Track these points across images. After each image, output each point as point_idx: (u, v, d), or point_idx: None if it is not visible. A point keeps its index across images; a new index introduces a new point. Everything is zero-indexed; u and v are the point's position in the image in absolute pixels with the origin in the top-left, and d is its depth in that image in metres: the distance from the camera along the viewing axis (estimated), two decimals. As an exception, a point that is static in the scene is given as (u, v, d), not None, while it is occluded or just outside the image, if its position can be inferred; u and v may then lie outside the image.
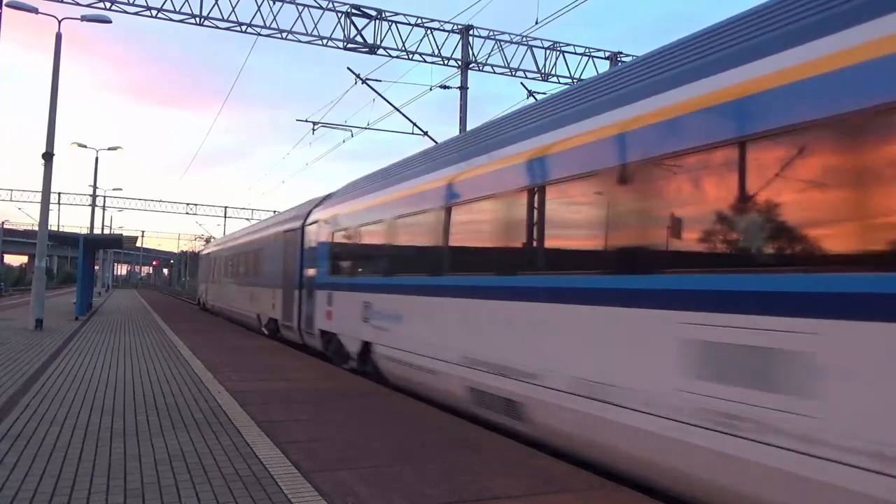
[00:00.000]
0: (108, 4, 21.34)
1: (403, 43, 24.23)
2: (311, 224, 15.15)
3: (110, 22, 20.47)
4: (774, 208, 4.31)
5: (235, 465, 5.52)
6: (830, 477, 3.74)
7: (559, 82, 25.68)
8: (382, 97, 21.45)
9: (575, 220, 6.25)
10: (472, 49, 24.77)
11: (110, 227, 70.47)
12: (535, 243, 6.79)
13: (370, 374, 11.17)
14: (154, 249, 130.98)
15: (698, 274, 4.80)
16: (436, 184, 9.00)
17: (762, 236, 4.39)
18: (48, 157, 18.97)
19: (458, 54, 24.74)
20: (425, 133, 21.86)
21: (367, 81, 21.12)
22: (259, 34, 22.87)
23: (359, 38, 23.66)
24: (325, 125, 25.72)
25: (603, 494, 5.02)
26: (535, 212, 6.77)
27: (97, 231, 48.74)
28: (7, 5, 18.11)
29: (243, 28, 22.60)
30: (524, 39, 25.34)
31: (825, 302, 3.86)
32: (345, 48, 23.73)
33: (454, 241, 8.40)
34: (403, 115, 21.63)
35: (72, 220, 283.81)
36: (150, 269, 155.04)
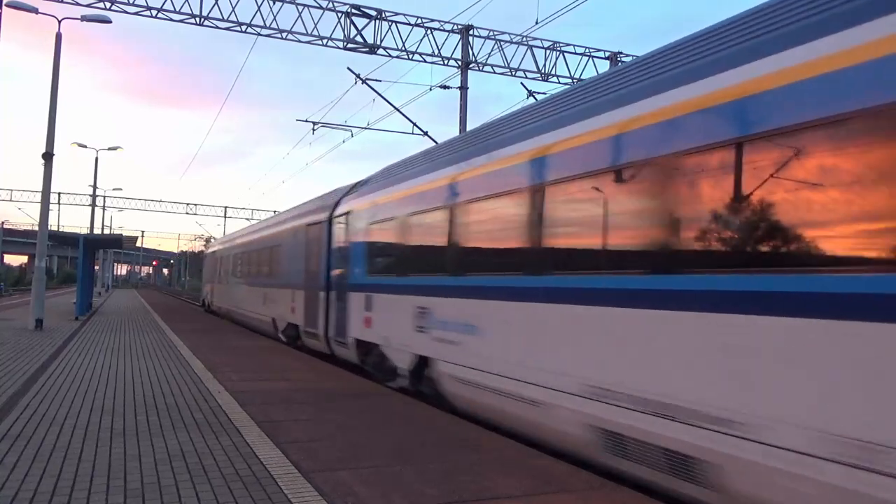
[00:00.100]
0: (108, 4, 21.34)
1: (403, 43, 24.24)
2: (340, 216, 13.14)
3: (110, 22, 20.48)
4: None
5: (235, 465, 5.52)
6: None
7: (559, 82, 25.71)
8: (382, 97, 21.46)
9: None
10: (472, 49, 24.77)
11: (110, 227, 70.50)
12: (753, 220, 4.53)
13: (427, 397, 9.21)
14: (154, 249, 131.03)
15: None
16: (550, 149, 6.71)
17: None
18: (48, 157, 18.97)
19: (458, 54, 24.74)
20: (425, 133, 21.86)
21: (367, 81, 21.12)
22: (259, 34, 22.88)
23: (359, 38, 23.66)
24: (325, 125, 25.73)
25: (603, 494, 5.02)
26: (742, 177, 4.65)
27: (97, 231, 48.75)
28: (7, 5, 18.11)
29: (243, 28, 22.60)
30: (524, 39, 25.34)
31: None
32: (345, 48, 23.73)
33: (587, 227, 6.06)
34: (403, 115, 21.63)
35: (72, 220, 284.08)
36: (150, 269, 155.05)
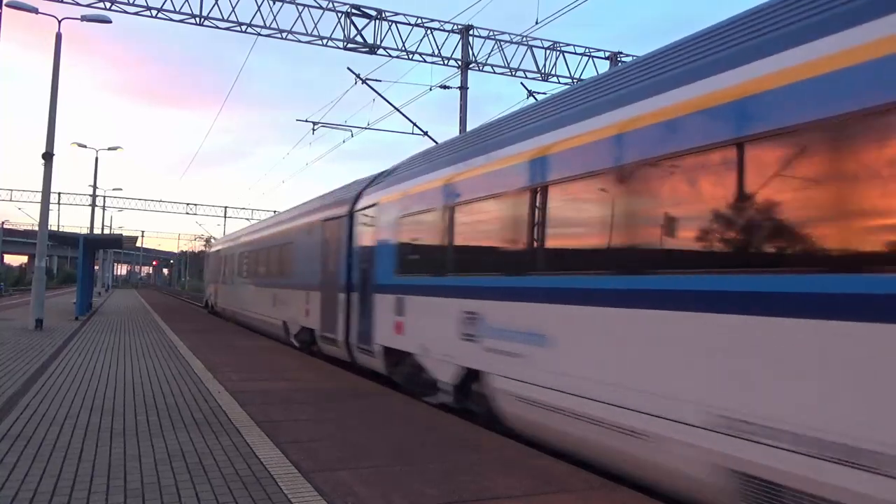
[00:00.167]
0: (108, 4, 21.34)
1: (403, 43, 24.24)
2: (364, 209, 11.85)
3: (110, 22, 20.49)
4: None
5: (235, 465, 5.52)
6: None
7: (559, 82, 25.71)
8: (382, 97, 21.46)
9: None
10: (472, 49, 24.77)
11: (110, 227, 70.51)
12: None
13: (475, 415, 7.97)
14: (154, 249, 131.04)
15: None
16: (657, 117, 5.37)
17: None
18: (48, 157, 18.97)
19: (458, 54, 24.75)
20: (425, 133, 21.86)
21: (367, 81, 21.13)
22: (259, 34, 22.88)
23: (359, 38, 23.66)
24: (325, 125, 25.75)
25: (603, 494, 5.02)
26: None
27: (97, 231, 48.76)
28: (7, 5, 18.11)
29: (243, 28, 22.60)
30: (524, 39, 25.34)
31: None
32: (345, 48, 23.74)
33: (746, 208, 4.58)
34: (403, 115, 21.64)
35: (72, 220, 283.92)
36: (150, 269, 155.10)
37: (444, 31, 24.72)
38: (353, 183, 14.18)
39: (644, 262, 5.38)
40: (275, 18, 22.73)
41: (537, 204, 6.83)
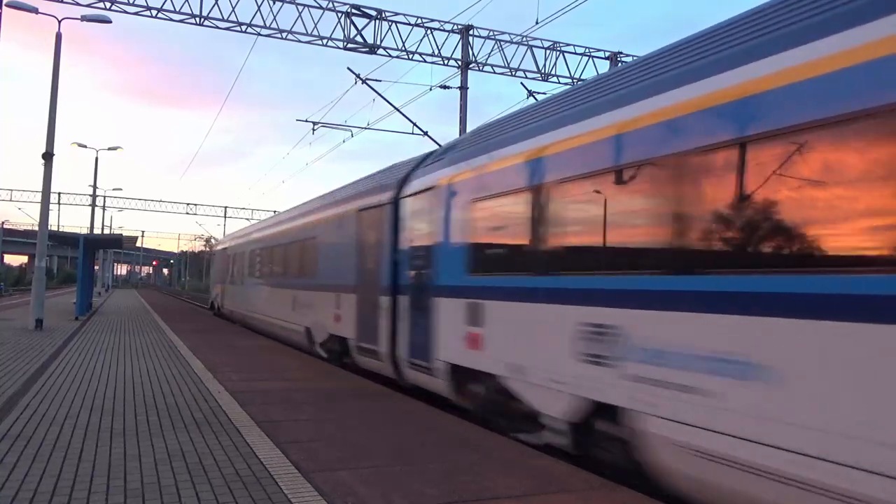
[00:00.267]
0: (108, 4, 21.35)
1: (403, 43, 24.25)
2: (415, 195, 9.92)
3: (110, 22, 20.50)
4: None
5: (235, 465, 5.52)
6: None
7: (559, 82, 25.73)
8: (382, 97, 21.48)
9: None
10: (472, 49, 24.78)
11: (110, 227, 70.53)
12: None
13: (607, 465, 6.06)
14: (154, 249, 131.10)
15: None
16: None
17: None
18: (48, 157, 18.97)
19: (458, 54, 24.75)
20: (425, 133, 21.88)
21: (367, 81, 21.15)
22: (259, 34, 22.89)
23: (359, 38, 23.67)
24: (325, 125, 25.76)
25: (603, 494, 5.02)
26: None
27: (97, 231, 48.76)
28: (7, 5, 18.11)
29: (243, 28, 22.61)
30: (524, 39, 25.35)
31: None
32: (345, 48, 23.74)
33: None
34: (403, 115, 21.66)
35: (72, 220, 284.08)
36: (150, 269, 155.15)
37: (444, 31, 24.74)
38: (393, 167, 12.46)
39: None
40: (275, 18, 22.77)
41: (751, 163, 4.59)
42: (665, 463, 5.24)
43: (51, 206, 21.77)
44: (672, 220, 5.21)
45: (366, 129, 25.70)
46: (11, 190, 73.57)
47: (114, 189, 74.56)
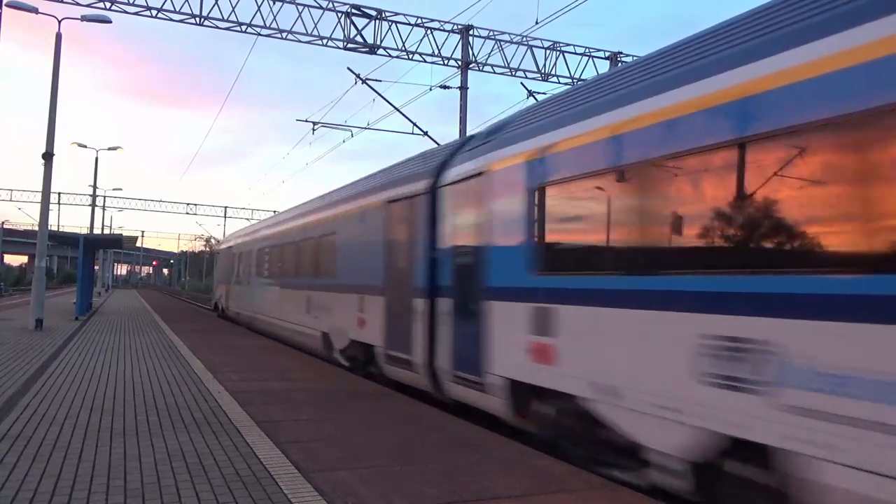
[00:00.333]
0: (108, 4, 21.35)
1: (403, 43, 24.26)
2: (459, 182, 8.70)
3: (110, 22, 20.51)
4: None
5: (235, 465, 5.52)
6: None
7: (559, 82, 25.74)
8: (382, 97, 21.50)
9: None
10: (472, 49, 24.79)
11: (110, 227, 70.56)
12: None
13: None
14: (154, 249, 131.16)
15: None
16: None
17: None
18: (48, 157, 18.98)
19: (458, 54, 24.77)
20: (425, 133, 21.91)
21: (367, 81, 21.17)
22: (259, 34, 22.90)
23: (359, 38, 23.67)
24: (325, 125, 25.79)
25: (603, 494, 5.02)
26: None
27: (97, 231, 48.78)
28: (7, 5, 18.12)
29: (243, 28, 22.61)
30: (524, 39, 25.36)
31: None
32: (345, 48, 23.75)
33: None
34: (403, 115, 21.69)
35: (72, 220, 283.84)
36: (150, 269, 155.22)
37: (444, 31, 24.75)
38: (424, 154, 11.21)
39: None
40: (275, 18, 22.79)
41: None
42: None
43: (51, 206, 21.80)
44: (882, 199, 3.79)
45: (366, 129, 25.74)
46: (11, 190, 73.68)
47: (114, 189, 74.73)
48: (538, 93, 20.64)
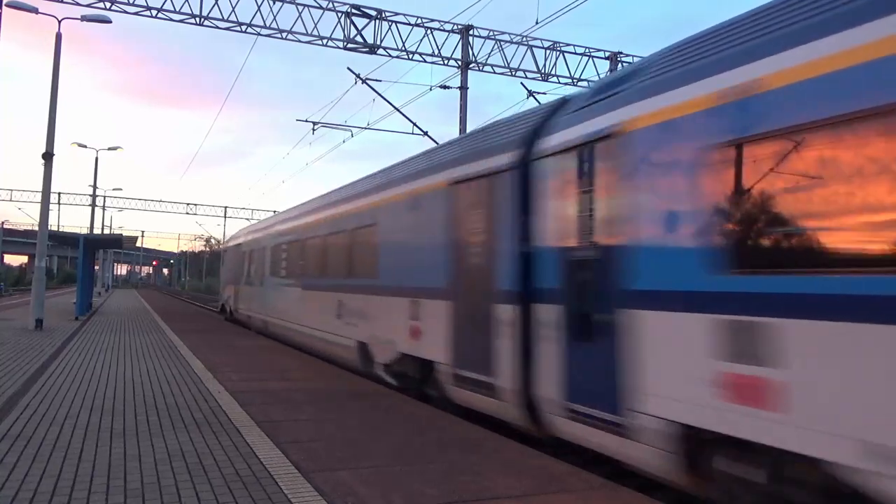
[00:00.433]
0: (108, 4, 21.36)
1: (403, 43, 24.27)
2: (569, 150, 6.59)
3: (110, 22, 20.51)
4: None
5: (235, 465, 5.52)
6: None
7: (559, 82, 25.76)
8: (382, 97, 21.51)
9: None
10: (472, 49, 24.80)
11: (110, 227, 70.58)
12: None
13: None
14: (154, 249, 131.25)
15: None
16: None
17: None
18: (48, 157, 18.98)
19: (458, 54, 24.77)
20: (425, 133, 21.91)
21: (367, 81, 21.18)
22: (259, 34, 22.91)
23: (359, 38, 23.68)
24: (325, 125, 25.79)
25: (603, 494, 5.02)
26: None
27: (97, 231, 48.78)
28: (7, 5, 18.12)
29: (243, 28, 22.61)
30: (524, 39, 25.37)
31: None
32: (345, 48, 23.75)
33: None
34: (403, 115, 21.70)
35: (72, 220, 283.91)
36: (150, 269, 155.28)
37: (444, 31, 24.76)
38: (495, 124, 8.94)
39: None
40: (275, 18, 22.79)
41: None
42: None
43: (51, 206, 21.79)
44: None
45: (366, 129, 25.73)
46: (11, 190, 73.70)
47: (114, 189, 74.69)
48: (538, 93, 20.67)
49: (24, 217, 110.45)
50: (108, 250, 60.56)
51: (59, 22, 19.75)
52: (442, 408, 8.58)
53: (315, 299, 14.68)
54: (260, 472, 5.34)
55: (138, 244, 75.69)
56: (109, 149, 42.89)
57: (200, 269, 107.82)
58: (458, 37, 24.80)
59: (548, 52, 25.86)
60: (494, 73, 25.54)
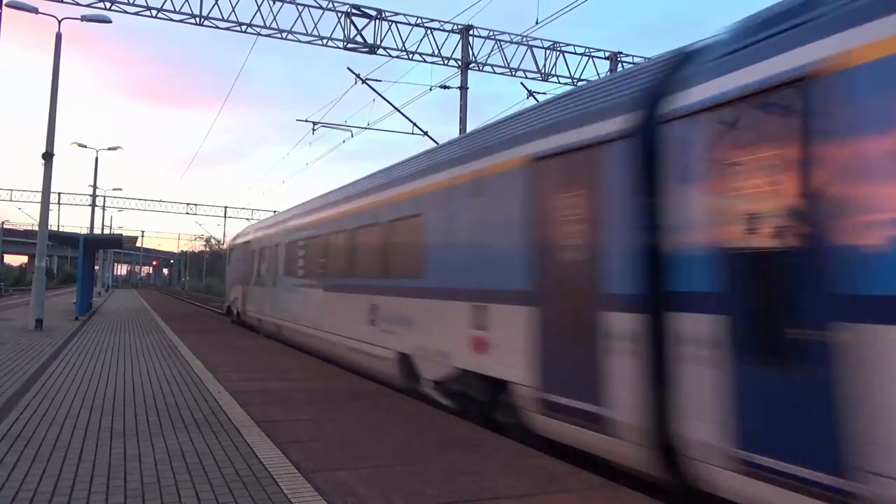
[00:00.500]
0: (108, 4, 21.37)
1: (403, 43, 24.28)
2: (725, 105, 4.82)
3: (110, 22, 20.51)
4: None
5: (235, 465, 5.52)
6: None
7: (559, 82, 25.76)
8: (382, 97, 21.51)
9: None
10: (472, 49, 24.81)
11: (110, 227, 70.58)
12: None
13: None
14: (154, 249, 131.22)
15: None
16: None
17: None
18: (48, 157, 18.98)
19: (458, 54, 24.78)
20: (425, 133, 21.91)
21: (367, 81, 21.18)
22: (259, 34, 22.92)
23: (359, 38, 23.68)
24: (325, 125, 25.79)
25: (603, 494, 5.02)
26: None
27: (97, 231, 48.78)
28: (7, 5, 18.12)
29: (243, 28, 22.62)
30: (524, 39, 25.38)
31: None
32: (345, 48, 23.76)
33: None
34: (403, 115, 21.70)
35: (72, 220, 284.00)
36: (150, 269, 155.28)
37: (444, 31, 24.77)
38: (590, 85, 7.27)
39: None
40: (275, 18, 22.81)
41: None
42: None
43: (51, 206, 21.79)
44: None
45: (366, 129, 25.73)
46: (11, 190, 73.77)
47: (114, 189, 74.70)
48: (538, 93, 20.67)
49: (24, 217, 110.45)
50: (108, 250, 60.54)
51: (59, 22, 19.76)
52: (519, 439, 6.90)
53: (341, 302, 12.79)
54: (260, 472, 5.34)
55: (138, 244, 75.74)
56: (109, 149, 42.88)
57: (200, 269, 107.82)
58: (458, 37, 24.81)
59: (548, 52, 25.87)
60: (494, 73, 25.57)
